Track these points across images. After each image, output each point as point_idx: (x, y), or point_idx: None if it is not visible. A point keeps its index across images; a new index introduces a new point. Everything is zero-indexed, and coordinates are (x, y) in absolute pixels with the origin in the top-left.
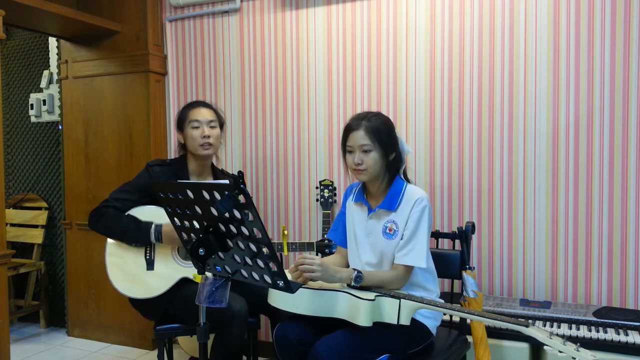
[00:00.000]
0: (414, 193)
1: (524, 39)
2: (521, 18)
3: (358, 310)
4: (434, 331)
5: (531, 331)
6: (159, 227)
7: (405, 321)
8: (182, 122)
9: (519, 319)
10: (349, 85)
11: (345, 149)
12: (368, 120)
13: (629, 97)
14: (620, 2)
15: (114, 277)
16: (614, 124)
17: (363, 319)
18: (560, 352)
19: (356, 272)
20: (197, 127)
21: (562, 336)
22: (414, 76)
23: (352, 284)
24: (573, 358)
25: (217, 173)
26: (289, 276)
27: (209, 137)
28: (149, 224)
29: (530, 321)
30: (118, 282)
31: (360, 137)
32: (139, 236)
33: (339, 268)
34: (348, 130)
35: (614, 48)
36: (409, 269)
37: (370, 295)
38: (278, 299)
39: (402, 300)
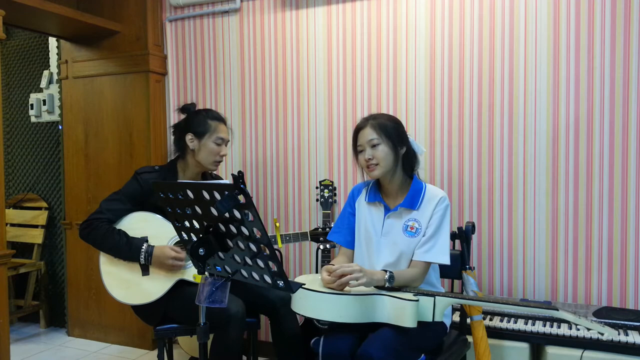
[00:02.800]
0: (435, 192)
1: (524, 39)
2: (521, 18)
3: (404, 311)
4: (448, 329)
5: (562, 314)
6: (150, 249)
7: (439, 317)
8: (203, 130)
9: (548, 304)
10: (349, 85)
11: (357, 150)
12: (374, 119)
13: (629, 97)
14: (620, 2)
15: (110, 285)
16: (614, 124)
17: (410, 320)
18: (589, 329)
19: (388, 272)
20: (219, 145)
21: (586, 315)
22: (414, 76)
23: (387, 284)
24: (601, 333)
25: (207, 178)
26: (316, 284)
27: (224, 155)
28: (141, 242)
29: (558, 304)
30: (114, 290)
31: (367, 133)
32: (130, 255)
33: (371, 270)
34: (356, 131)
35: (614, 48)
36: (428, 266)
37: (410, 295)
38: (319, 310)
39: (436, 297)
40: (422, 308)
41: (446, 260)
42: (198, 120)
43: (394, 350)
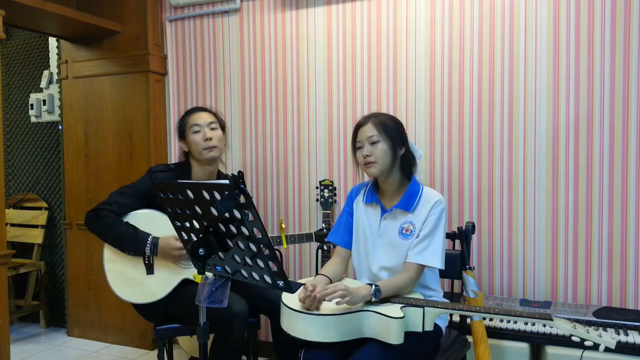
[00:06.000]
0: (432, 195)
1: (524, 39)
2: (521, 18)
3: (390, 329)
4: (444, 331)
5: (556, 323)
6: (155, 240)
7: (429, 327)
8: (183, 129)
9: (543, 313)
10: (349, 85)
11: (355, 146)
12: (376, 116)
13: (629, 97)
14: (620, 2)
15: (114, 283)
16: (614, 124)
17: (395, 338)
18: (585, 339)
19: (374, 286)
20: (198, 132)
21: (583, 323)
22: (414, 76)
23: (373, 299)
24: (597, 344)
25: (221, 177)
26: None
27: (211, 139)
28: (147, 235)
29: (552, 314)
30: (118, 288)
31: (367, 130)
32: (135, 246)
33: (355, 287)
34: (357, 127)
35: (614, 48)
36: (421, 269)
37: (398, 311)
38: (305, 331)
39: (425, 308)
40: (410, 320)
41: (438, 264)
42: (178, 125)
43: None
